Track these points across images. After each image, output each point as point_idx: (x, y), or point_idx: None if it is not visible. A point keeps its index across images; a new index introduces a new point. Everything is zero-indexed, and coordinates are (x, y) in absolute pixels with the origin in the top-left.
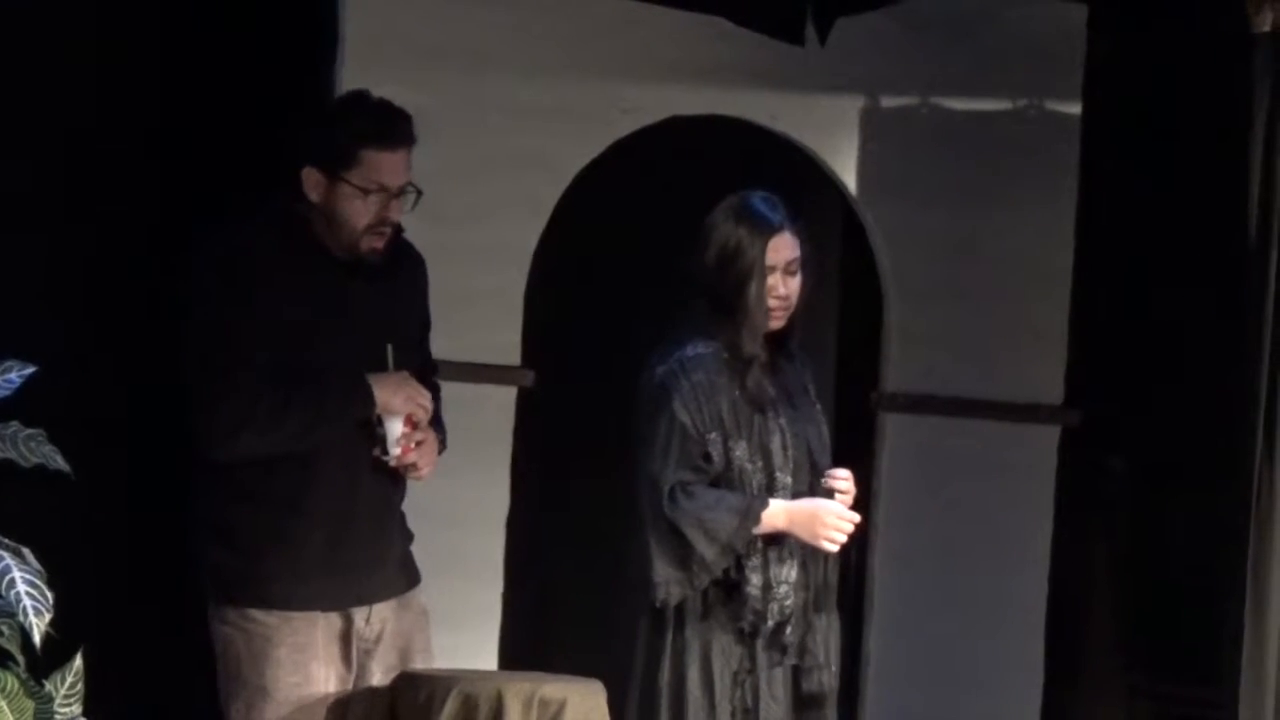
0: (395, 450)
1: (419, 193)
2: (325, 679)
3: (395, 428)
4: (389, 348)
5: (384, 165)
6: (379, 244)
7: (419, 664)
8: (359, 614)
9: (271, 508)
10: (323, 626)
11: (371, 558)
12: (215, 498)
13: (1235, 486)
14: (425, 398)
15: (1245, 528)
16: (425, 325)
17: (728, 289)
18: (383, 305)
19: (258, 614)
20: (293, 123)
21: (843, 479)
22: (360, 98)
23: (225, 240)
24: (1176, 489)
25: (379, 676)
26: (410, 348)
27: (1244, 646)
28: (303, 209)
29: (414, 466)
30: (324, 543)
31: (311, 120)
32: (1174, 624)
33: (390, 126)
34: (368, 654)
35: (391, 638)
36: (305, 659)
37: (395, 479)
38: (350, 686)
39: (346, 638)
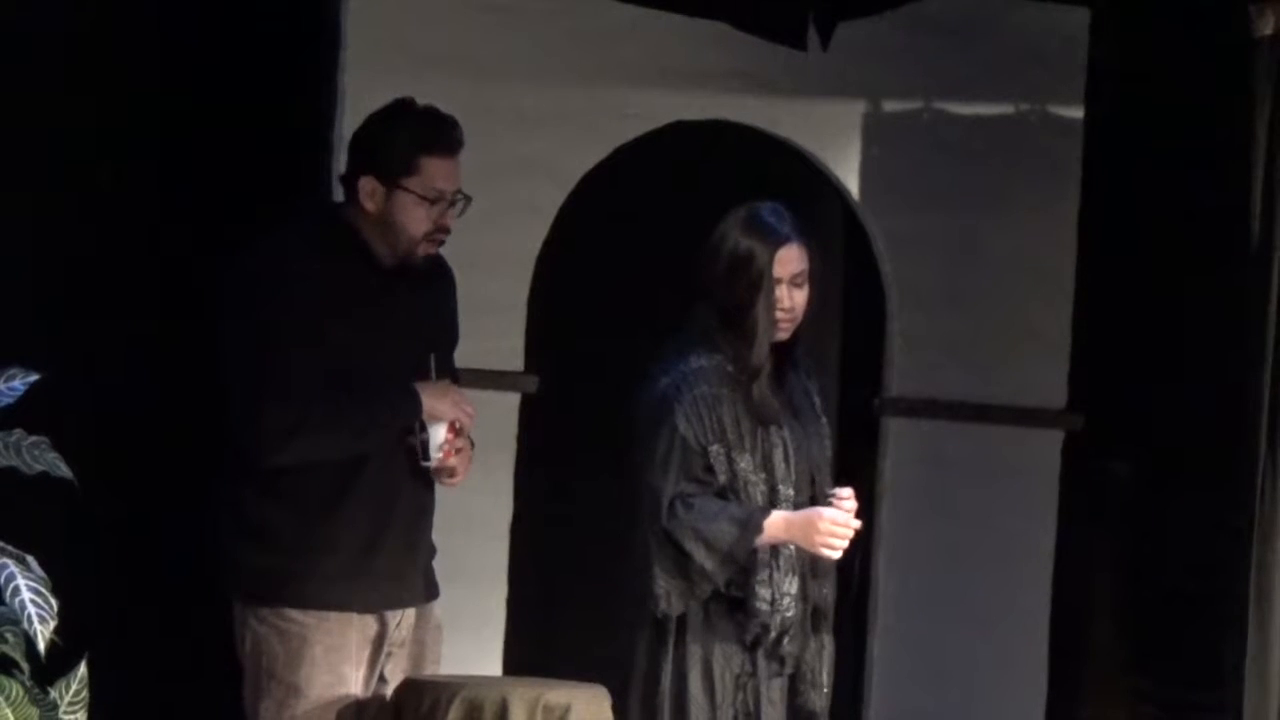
0: (437, 455)
1: (468, 199)
2: (355, 681)
3: (439, 433)
4: (432, 356)
5: (442, 172)
6: (433, 250)
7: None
8: (393, 618)
9: (311, 510)
10: (357, 628)
11: (405, 562)
12: (250, 500)
13: (1238, 490)
14: (470, 405)
15: (1249, 531)
16: (454, 335)
17: (735, 299)
18: (423, 313)
19: (294, 613)
20: (297, 131)
21: (845, 497)
22: (409, 106)
23: (265, 247)
24: (1180, 492)
25: (392, 683)
26: (446, 356)
27: (1247, 650)
28: (348, 216)
29: (451, 472)
30: (361, 545)
31: (364, 130)
32: (1177, 627)
33: (446, 133)
34: (389, 656)
35: (411, 645)
36: (339, 660)
37: (429, 486)
38: (372, 691)
39: (379, 642)
